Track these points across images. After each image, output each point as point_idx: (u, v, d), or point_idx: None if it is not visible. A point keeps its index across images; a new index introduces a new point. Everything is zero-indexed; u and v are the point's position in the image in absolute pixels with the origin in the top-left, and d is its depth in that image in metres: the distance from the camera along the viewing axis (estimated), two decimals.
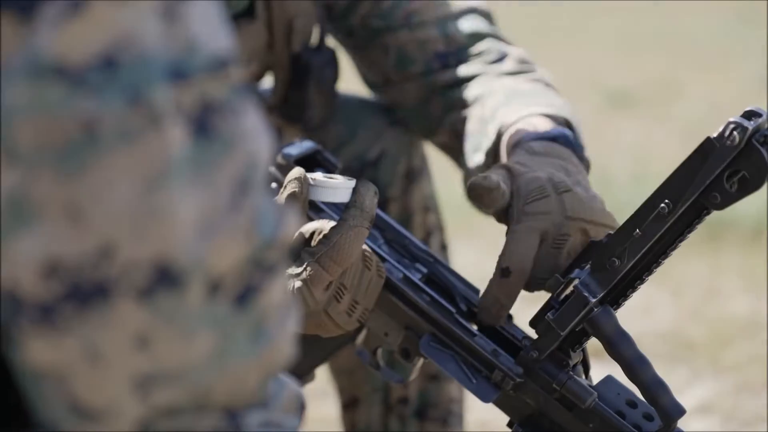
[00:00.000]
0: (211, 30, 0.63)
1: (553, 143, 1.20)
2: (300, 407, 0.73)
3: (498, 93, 1.34)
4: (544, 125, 1.23)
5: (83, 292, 0.60)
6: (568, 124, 1.26)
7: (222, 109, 0.62)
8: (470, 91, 1.40)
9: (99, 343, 0.61)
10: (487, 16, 1.47)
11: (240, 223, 0.62)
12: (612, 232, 1.07)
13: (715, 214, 3.28)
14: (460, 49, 1.43)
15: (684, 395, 2.39)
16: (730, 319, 2.79)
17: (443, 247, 1.60)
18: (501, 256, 1.12)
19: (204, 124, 0.61)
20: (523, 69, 1.40)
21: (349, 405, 1.62)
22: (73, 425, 0.63)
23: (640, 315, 2.80)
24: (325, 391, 2.24)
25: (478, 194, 1.13)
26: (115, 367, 0.61)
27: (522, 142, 1.21)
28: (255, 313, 0.64)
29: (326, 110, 1.51)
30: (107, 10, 0.59)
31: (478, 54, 1.43)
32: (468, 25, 1.44)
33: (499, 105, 1.31)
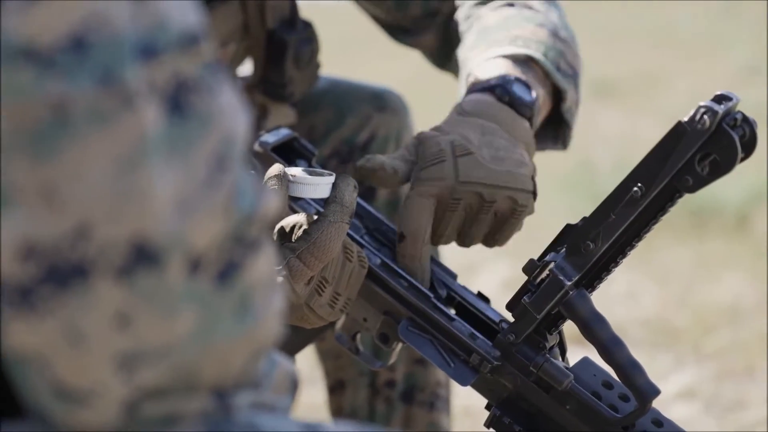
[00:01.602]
0: (180, 6, 0.63)
1: (485, 96, 1.22)
2: (292, 386, 0.73)
3: (472, 32, 1.36)
4: (494, 71, 1.25)
5: (61, 274, 0.60)
6: (530, 58, 1.27)
7: (196, 86, 0.62)
8: (461, 27, 1.40)
9: (79, 324, 0.61)
10: None
11: (218, 200, 0.62)
12: (512, 193, 1.15)
13: (699, 202, 3.26)
14: None
15: (667, 381, 2.40)
16: (714, 306, 2.80)
17: None
18: (398, 223, 1.16)
19: (178, 101, 0.61)
20: None
21: (336, 388, 1.63)
22: (59, 409, 0.63)
23: (624, 302, 2.81)
24: (312, 376, 2.25)
25: (364, 175, 1.18)
26: (96, 347, 0.61)
27: (462, 97, 1.24)
28: (239, 290, 0.64)
29: (307, 85, 1.50)
30: None
31: None
32: None
33: (469, 49, 1.33)
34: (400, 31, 1.47)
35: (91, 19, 0.60)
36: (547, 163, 4.59)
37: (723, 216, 3.40)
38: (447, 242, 1.19)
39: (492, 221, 1.18)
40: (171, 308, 0.62)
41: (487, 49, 1.29)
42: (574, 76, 1.30)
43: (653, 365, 2.47)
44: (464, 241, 1.20)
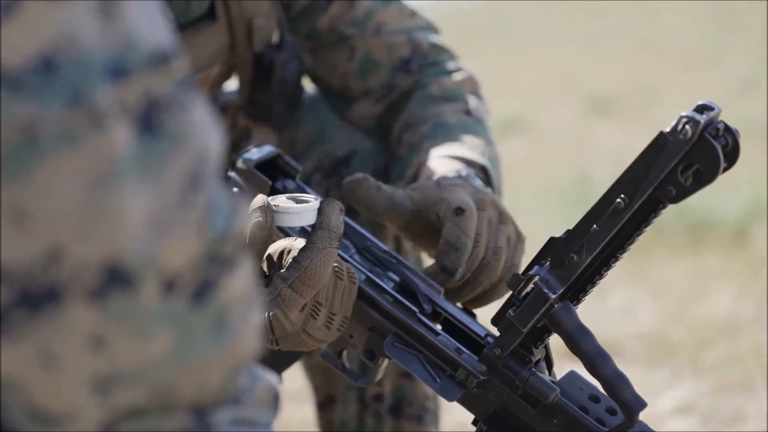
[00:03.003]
0: (149, 24, 0.62)
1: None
2: (274, 400, 0.71)
3: (429, 121, 1.42)
4: (452, 168, 1.31)
5: (33, 297, 0.59)
6: (484, 169, 1.34)
7: (168, 105, 0.61)
8: (412, 111, 1.47)
9: (53, 347, 0.60)
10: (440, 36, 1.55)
11: (192, 219, 0.62)
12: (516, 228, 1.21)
13: (696, 217, 3.24)
14: (422, 55, 1.48)
15: (663, 396, 2.40)
16: (710, 321, 2.80)
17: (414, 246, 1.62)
18: (448, 202, 1.20)
19: (150, 121, 0.60)
20: (453, 96, 1.47)
21: (325, 404, 1.63)
22: None
23: (621, 316, 2.80)
24: (304, 394, 2.25)
25: (348, 191, 1.22)
26: (70, 370, 0.61)
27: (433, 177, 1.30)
28: (215, 309, 0.63)
29: (293, 106, 1.52)
30: (41, 10, 0.59)
31: (436, 63, 1.49)
32: (432, 36, 1.50)
33: (426, 136, 1.40)
34: (344, 100, 1.52)
35: (60, 39, 0.59)
36: (544, 177, 4.60)
37: (720, 231, 3.40)
38: (476, 259, 1.21)
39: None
40: (146, 329, 0.61)
41: (444, 144, 1.36)
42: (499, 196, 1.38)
43: (650, 380, 2.46)
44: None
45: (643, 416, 1.06)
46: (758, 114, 4.67)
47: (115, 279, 0.60)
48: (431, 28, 1.52)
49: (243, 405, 0.68)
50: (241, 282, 0.65)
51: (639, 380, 2.42)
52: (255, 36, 1.45)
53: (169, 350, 0.62)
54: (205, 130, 0.63)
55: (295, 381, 2.24)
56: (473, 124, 1.42)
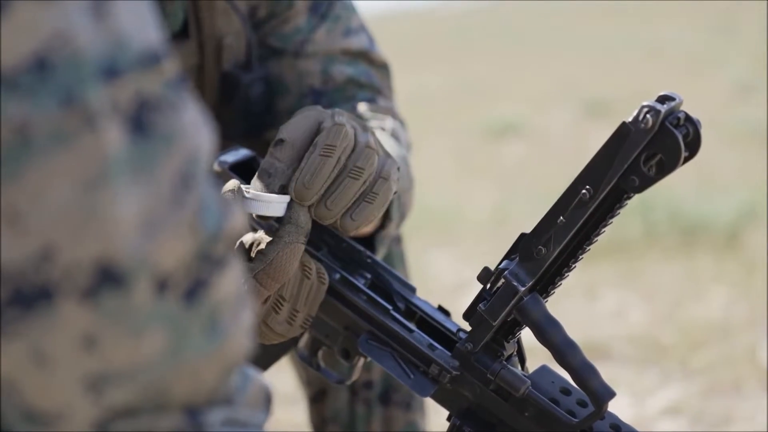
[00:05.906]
0: (140, 24, 0.62)
1: None
2: (266, 400, 0.72)
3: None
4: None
5: (26, 296, 0.59)
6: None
7: (159, 105, 0.61)
8: None
9: (45, 346, 0.60)
10: (377, 64, 1.51)
11: (184, 219, 0.62)
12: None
13: (688, 219, 3.24)
14: (334, 90, 1.47)
15: (654, 397, 2.40)
16: (702, 323, 2.80)
17: (398, 240, 1.65)
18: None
19: (141, 121, 0.61)
20: (368, 116, 1.44)
21: (317, 397, 1.65)
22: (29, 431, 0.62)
23: (612, 318, 2.81)
24: (296, 395, 2.25)
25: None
26: (63, 369, 0.61)
27: None
28: (207, 308, 0.63)
29: (257, 127, 1.53)
30: (33, 10, 0.59)
31: (350, 98, 1.47)
32: (351, 70, 1.49)
33: None
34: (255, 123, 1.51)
35: (54, 39, 0.59)
36: (542, 180, 4.58)
37: (713, 234, 3.40)
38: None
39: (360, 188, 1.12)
40: (138, 329, 0.61)
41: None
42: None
43: (640, 381, 2.46)
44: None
45: (632, 417, 1.06)
46: (757, 118, 4.67)
47: (108, 278, 0.60)
48: (357, 56, 1.50)
49: (235, 405, 0.68)
50: (232, 282, 0.65)
51: (629, 381, 2.43)
52: (224, 54, 1.45)
53: (162, 350, 0.62)
54: (195, 130, 0.63)
55: (285, 383, 2.24)
56: (387, 138, 1.37)
